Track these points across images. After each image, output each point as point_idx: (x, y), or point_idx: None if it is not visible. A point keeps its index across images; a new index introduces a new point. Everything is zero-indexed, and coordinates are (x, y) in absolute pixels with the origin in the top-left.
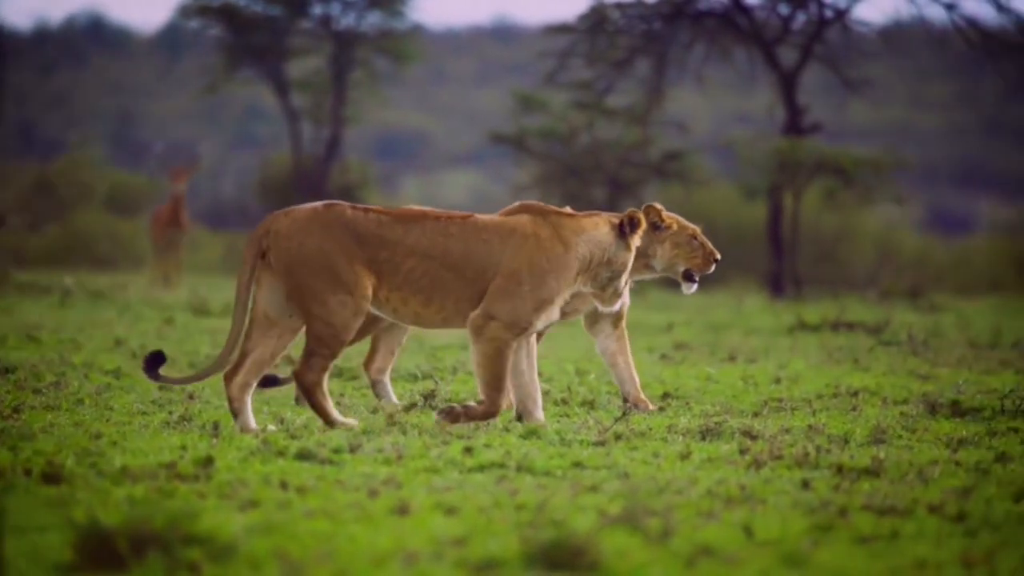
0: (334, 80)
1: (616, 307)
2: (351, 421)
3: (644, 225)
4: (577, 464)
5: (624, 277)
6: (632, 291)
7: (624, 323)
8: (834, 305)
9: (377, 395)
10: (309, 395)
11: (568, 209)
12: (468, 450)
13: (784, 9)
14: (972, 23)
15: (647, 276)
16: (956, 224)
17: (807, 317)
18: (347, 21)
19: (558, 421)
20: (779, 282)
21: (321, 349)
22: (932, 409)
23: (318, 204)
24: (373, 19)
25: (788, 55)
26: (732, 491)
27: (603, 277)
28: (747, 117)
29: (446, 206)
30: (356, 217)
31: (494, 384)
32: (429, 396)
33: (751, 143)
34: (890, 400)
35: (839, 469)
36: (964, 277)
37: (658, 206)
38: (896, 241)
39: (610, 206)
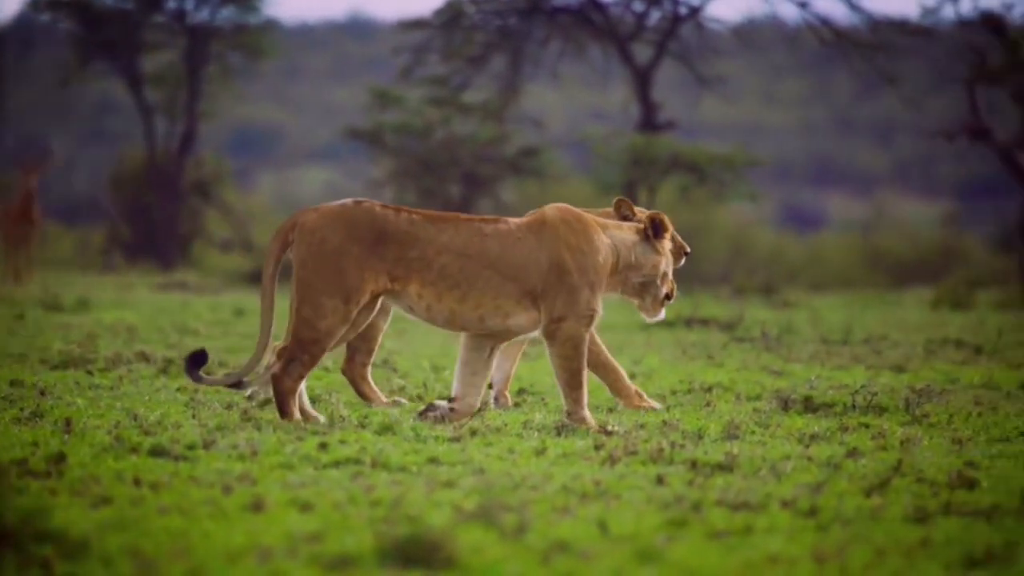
0: (188, 75)
1: (661, 316)
2: (320, 417)
3: (670, 228)
4: (432, 460)
5: (658, 283)
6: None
7: None
8: (688, 301)
9: (358, 393)
10: (282, 401)
11: (639, 212)
12: (323, 446)
13: (639, 6)
14: (824, 21)
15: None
16: (809, 221)
17: None
18: (201, 16)
19: (413, 417)
20: None
21: (302, 355)
22: (785, 405)
23: (347, 200)
24: (227, 14)
25: (643, 52)
26: (587, 487)
27: (635, 283)
28: (602, 113)
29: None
30: (386, 215)
31: (576, 383)
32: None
33: (606, 139)
34: (743, 396)
35: (693, 464)
36: (816, 273)
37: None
38: (749, 238)
39: (466, 202)
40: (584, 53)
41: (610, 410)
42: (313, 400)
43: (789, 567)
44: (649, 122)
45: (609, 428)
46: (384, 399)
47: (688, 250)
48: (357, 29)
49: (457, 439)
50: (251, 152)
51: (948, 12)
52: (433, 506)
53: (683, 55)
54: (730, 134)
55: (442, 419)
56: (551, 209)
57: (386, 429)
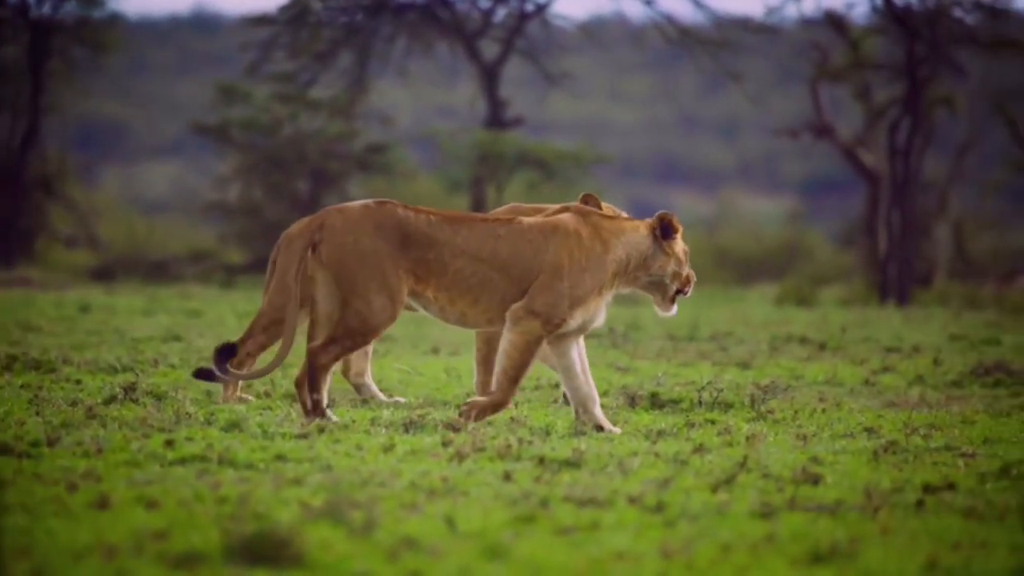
0: (31, 70)
1: (673, 311)
2: (333, 417)
3: (680, 228)
4: (280, 457)
5: (667, 281)
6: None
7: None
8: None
9: (362, 397)
10: (314, 375)
11: (612, 210)
12: (169, 443)
13: (485, 3)
14: (670, 19)
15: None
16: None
17: None
18: (44, 10)
19: (260, 414)
20: None
21: (346, 340)
22: (632, 401)
23: (370, 201)
24: (70, 8)
25: (490, 49)
26: (435, 483)
27: (643, 282)
28: (449, 110)
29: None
30: (407, 216)
31: (513, 375)
32: (129, 389)
33: (454, 136)
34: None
35: (541, 461)
36: None
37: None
38: None
39: (313, 198)
40: (431, 50)
41: (458, 407)
42: (159, 397)
43: (636, 563)
44: (496, 119)
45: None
46: (384, 398)
47: (695, 278)
48: (202, 24)
49: (304, 436)
50: (96, 147)
51: (791, 11)
52: (280, 503)
53: (530, 52)
54: (577, 131)
55: (470, 416)
56: (569, 216)
57: (233, 426)
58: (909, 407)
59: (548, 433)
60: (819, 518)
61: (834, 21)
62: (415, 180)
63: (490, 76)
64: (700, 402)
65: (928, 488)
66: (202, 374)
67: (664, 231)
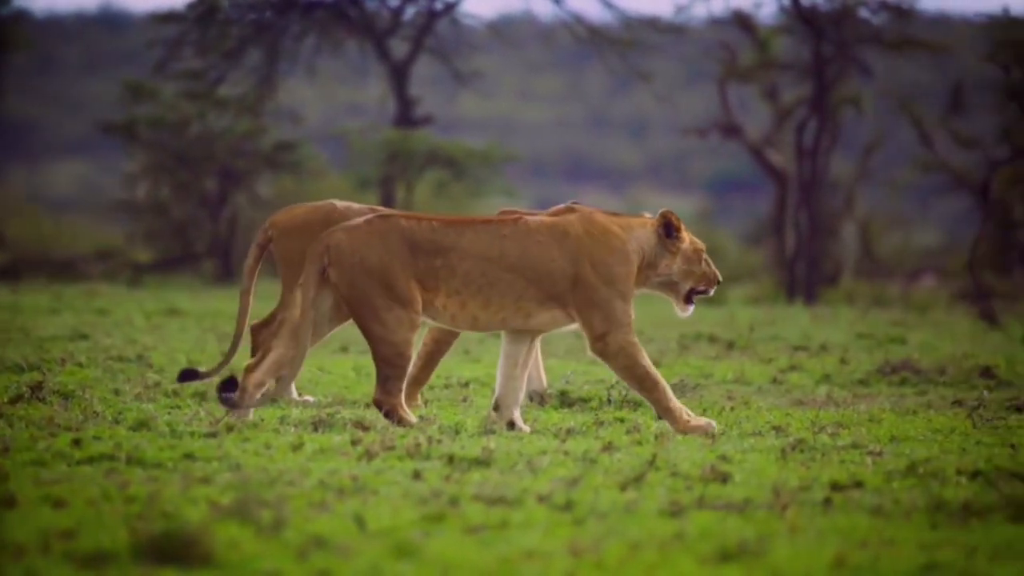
0: None
1: (688, 312)
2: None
3: (681, 226)
4: (188, 455)
5: (676, 280)
6: None
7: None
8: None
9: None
10: (395, 418)
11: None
12: (77, 442)
13: (394, 2)
14: (578, 18)
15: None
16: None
17: None
18: None
19: (169, 413)
20: None
21: (391, 370)
22: (541, 400)
23: (372, 216)
24: None
25: (399, 47)
26: (344, 482)
27: (654, 282)
28: (359, 108)
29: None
30: (410, 226)
31: (649, 384)
32: (36, 388)
33: (363, 134)
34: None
35: (450, 459)
36: None
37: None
38: None
39: (222, 196)
40: (340, 48)
41: (367, 406)
42: (66, 396)
43: (545, 561)
44: (406, 117)
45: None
46: (302, 397)
47: (720, 279)
48: (109, 21)
49: (213, 435)
50: (2, 146)
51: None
52: (189, 502)
53: (439, 51)
54: (486, 130)
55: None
56: (575, 219)
57: (141, 425)
58: (817, 405)
59: (458, 432)
60: (727, 516)
61: (742, 21)
62: (324, 178)
63: (399, 75)
64: (609, 400)
65: (836, 486)
66: (186, 376)
67: (666, 230)
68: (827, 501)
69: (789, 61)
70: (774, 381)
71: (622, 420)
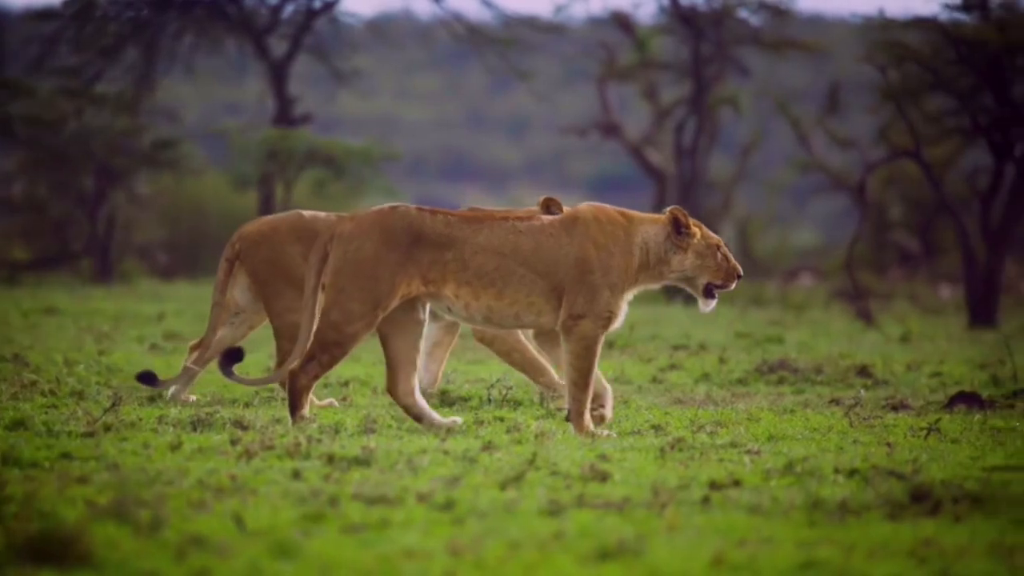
0: None
1: (710, 308)
2: (311, 421)
3: (689, 224)
4: (65, 455)
5: (691, 276)
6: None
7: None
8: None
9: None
10: (295, 397)
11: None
12: None
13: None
14: (457, 17)
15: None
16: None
17: None
18: None
19: (46, 412)
20: None
21: (322, 355)
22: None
23: (384, 206)
24: None
25: (278, 46)
26: (223, 481)
27: (670, 277)
28: (238, 107)
29: None
30: (422, 218)
31: (582, 383)
32: None
33: (242, 132)
34: (380, 390)
35: (330, 459)
36: None
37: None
38: None
39: (99, 194)
40: (219, 46)
41: (246, 405)
42: None
43: (425, 560)
44: (285, 116)
45: (601, 431)
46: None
47: (741, 273)
48: None
49: (91, 434)
50: None
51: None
52: (66, 502)
53: (318, 49)
54: (366, 128)
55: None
56: (585, 207)
57: (18, 424)
58: (695, 404)
59: (337, 431)
60: (606, 515)
61: (620, 21)
62: (203, 177)
63: (278, 73)
64: (489, 400)
65: (714, 485)
66: (144, 378)
67: (675, 227)
68: (705, 500)
69: (668, 61)
70: (654, 380)
71: (502, 419)
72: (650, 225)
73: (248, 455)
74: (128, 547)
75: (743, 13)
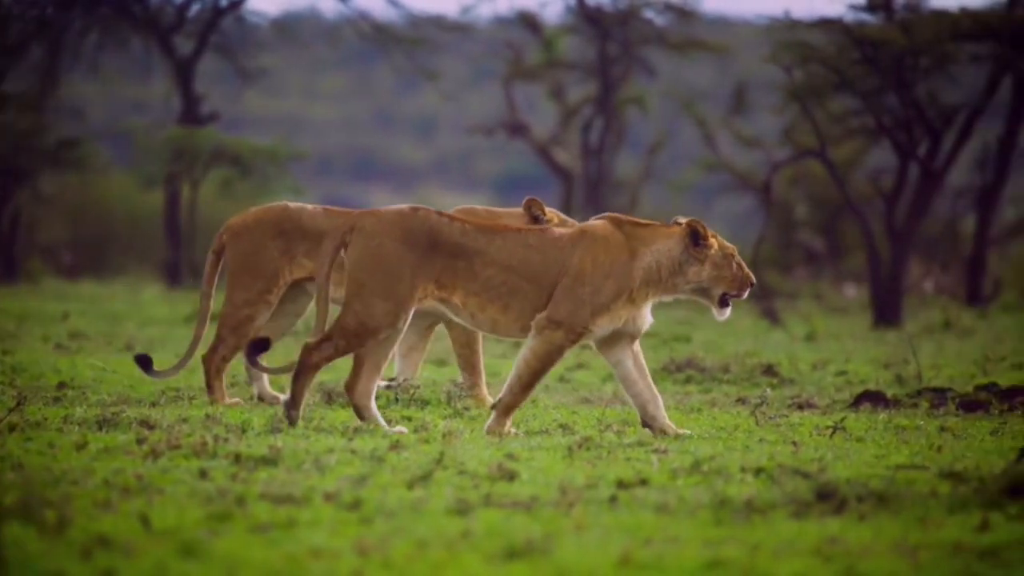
0: None
1: (725, 315)
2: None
3: (707, 235)
4: None
5: (707, 286)
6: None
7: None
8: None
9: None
10: (302, 371)
11: (557, 217)
12: None
13: None
14: (364, 16)
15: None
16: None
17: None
18: None
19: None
20: (176, 272)
21: (339, 340)
22: (328, 398)
23: (404, 207)
24: None
25: (184, 44)
26: (129, 481)
27: (685, 289)
28: (143, 105)
29: None
30: (440, 224)
31: (527, 381)
32: None
33: (148, 131)
34: (287, 390)
35: (237, 458)
36: None
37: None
38: None
39: (4, 193)
40: (125, 45)
41: (153, 404)
42: None
43: (332, 560)
44: (191, 114)
45: (511, 430)
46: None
47: (754, 281)
48: None
49: None
50: None
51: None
52: None
53: (225, 48)
54: (273, 127)
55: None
56: (598, 222)
57: None
58: (603, 403)
59: (244, 431)
60: (514, 514)
61: (527, 20)
62: (108, 176)
63: (184, 72)
64: (396, 399)
65: (621, 484)
66: (141, 361)
67: (693, 238)
68: (613, 499)
69: (574, 61)
70: (561, 379)
71: (409, 418)
72: (664, 241)
73: (154, 454)
74: (34, 547)
75: (649, 13)
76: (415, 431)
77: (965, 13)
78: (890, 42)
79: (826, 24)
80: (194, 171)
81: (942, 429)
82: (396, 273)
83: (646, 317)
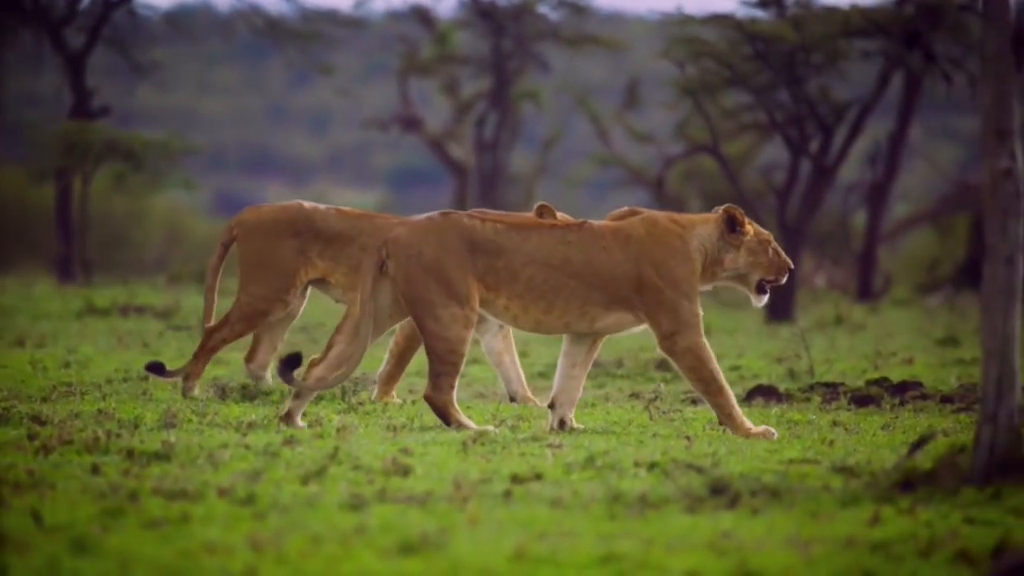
0: None
1: (763, 301)
2: (488, 427)
3: (744, 221)
4: None
5: (744, 273)
6: None
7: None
8: (124, 290)
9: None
10: (444, 415)
11: (566, 219)
12: None
13: None
14: (256, 9)
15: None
16: (242, 209)
17: (96, 301)
18: None
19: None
20: (68, 266)
21: (443, 367)
22: (222, 393)
23: (434, 213)
24: None
25: (75, 37)
26: (21, 476)
27: (722, 276)
28: (35, 99)
29: None
30: (472, 225)
31: (715, 389)
32: None
33: (39, 125)
34: (180, 385)
35: (129, 453)
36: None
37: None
38: (185, 225)
39: None
40: (15, 37)
41: (44, 400)
42: None
43: (226, 555)
44: (82, 108)
45: (761, 429)
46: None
47: (792, 266)
48: None
49: None
50: None
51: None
52: None
53: (116, 41)
54: (165, 121)
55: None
56: (637, 222)
57: None
58: (497, 399)
59: (137, 426)
60: (409, 509)
61: (421, 15)
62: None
63: (75, 65)
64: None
65: (516, 478)
66: (153, 368)
67: (730, 225)
68: (507, 493)
69: (469, 55)
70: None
71: (304, 413)
72: (702, 226)
73: (46, 450)
74: None
75: (543, 9)
76: (309, 426)
77: (856, 10)
78: (782, 38)
79: (718, 20)
80: (86, 165)
81: (834, 424)
82: (446, 277)
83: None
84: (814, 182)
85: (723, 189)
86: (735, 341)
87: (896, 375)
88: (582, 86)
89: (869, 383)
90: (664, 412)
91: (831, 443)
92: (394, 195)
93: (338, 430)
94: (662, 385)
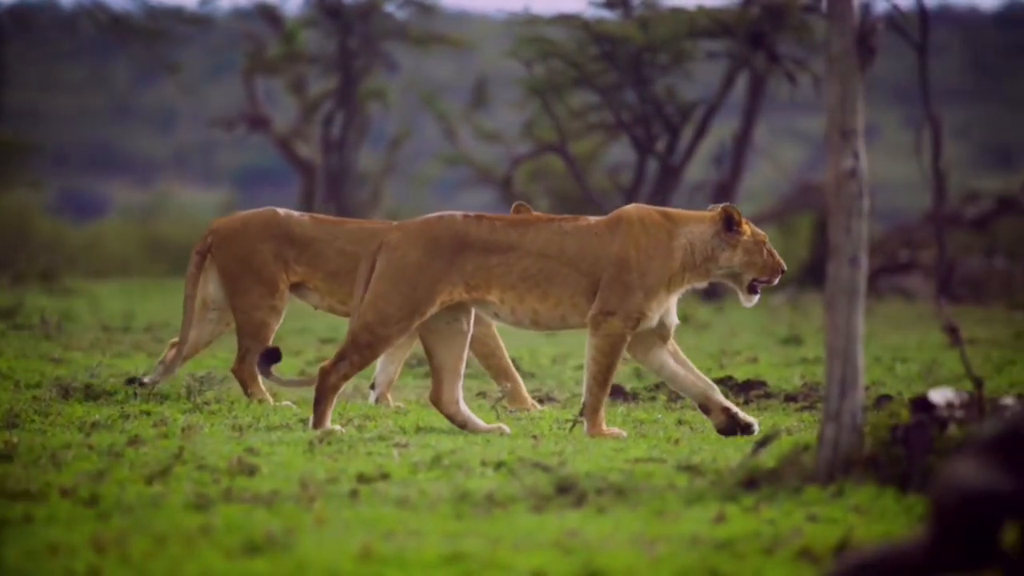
0: None
1: (755, 301)
2: (338, 427)
3: (741, 221)
4: None
5: (738, 272)
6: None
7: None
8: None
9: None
10: (321, 396)
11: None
12: None
13: None
14: (101, 6)
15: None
16: (88, 208)
17: None
18: None
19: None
20: None
21: (353, 355)
22: (65, 393)
23: (431, 216)
24: None
25: None
26: None
27: (716, 274)
28: None
29: None
30: (467, 225)
31: (601, 379)
32: None
33: None
34: (23, 384)
35: None
36: (96, 260)
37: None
38: (29, 224)
39: None
40: None
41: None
42: None
43: (69, 556)
44: None
45: (617, 432)
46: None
47: (784, 268)
48: None
49: None
50: None
51: (226, 1)
52: None
53: None
54: (6, 119)
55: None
56: (631, 208)
57: None
58: (344, 398)
59: None
60: (254, 509)
61: (267, 13)
62: None
63: None
64: (136, 394)
65: (362, 478)
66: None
67: (727, 224)
68: (354, 493)
69: (316, 54)
70: (302, 374)
71: (148, 413)
72: (696, 224)
73: None
74: None
75: (390, 8)
76: (154, 426)
77: (702, 11)
78: (628, 38)
79: (565, 20)
80: None
81: (679, 422)
82: (413, 282)
83: (674, 313)
84: (660, 181)
85: (570, 188)
86: (581, 340)
87: (741, 374)
88: (430, 85)
89: (714, 382)
90: (511, 412)
91: (676, 442)
92: (240, 194)
93: (183, 430)
94: (508, 385)
